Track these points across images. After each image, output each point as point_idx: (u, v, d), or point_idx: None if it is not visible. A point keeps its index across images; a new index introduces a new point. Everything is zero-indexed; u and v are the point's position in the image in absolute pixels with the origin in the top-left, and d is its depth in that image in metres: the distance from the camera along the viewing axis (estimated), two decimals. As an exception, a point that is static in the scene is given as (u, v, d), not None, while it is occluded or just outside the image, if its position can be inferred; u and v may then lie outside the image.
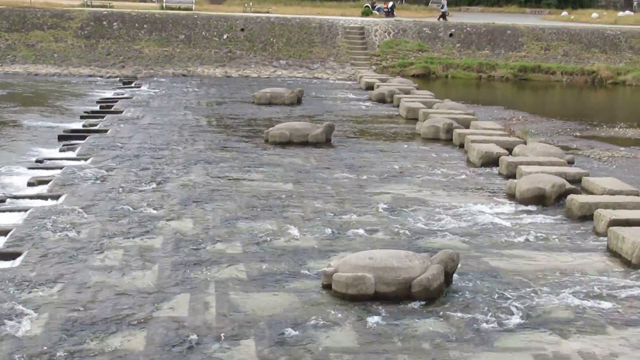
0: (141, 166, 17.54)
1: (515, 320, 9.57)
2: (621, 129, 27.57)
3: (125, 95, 30.71)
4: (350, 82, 38.09)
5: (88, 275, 10.58)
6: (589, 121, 29.13)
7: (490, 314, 9.69)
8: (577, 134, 26.17)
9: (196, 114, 26.11)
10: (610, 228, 12.64)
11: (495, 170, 18.33)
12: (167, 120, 24.55)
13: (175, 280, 10.54)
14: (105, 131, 22.12)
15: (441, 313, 9.72)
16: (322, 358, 8.31)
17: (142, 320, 9.09)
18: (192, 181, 16.26)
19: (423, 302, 9.95)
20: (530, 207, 15.01)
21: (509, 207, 15.08)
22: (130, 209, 13.94)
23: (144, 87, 33.45)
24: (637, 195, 15.25)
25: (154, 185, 15.81)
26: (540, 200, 15.17)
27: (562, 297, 10.41)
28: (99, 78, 36.67)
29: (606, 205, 13.92)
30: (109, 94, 31.46)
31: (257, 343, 8.62)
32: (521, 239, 13.07)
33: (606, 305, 10.18)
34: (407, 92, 31.88)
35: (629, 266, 11.72)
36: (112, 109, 26.88)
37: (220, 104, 28.95)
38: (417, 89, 33.45)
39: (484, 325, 9.37)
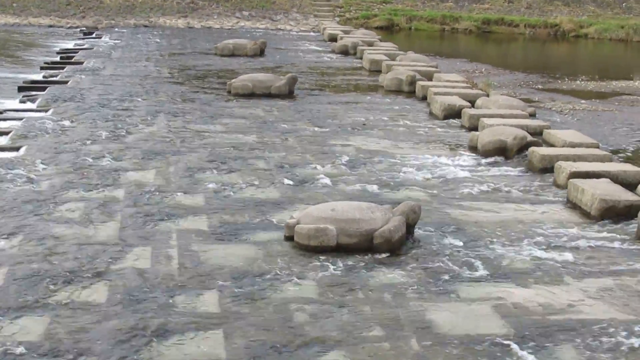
0: (103, 118, 17.40)
1: (476, 271, 9.65)
2: (583, 82, 27.75)
3: (86, 46, 30.42)
4: (313, 34, 37.95)
5: (49, 228, 10.50)
6: (551, 74, 29.28)
7: (451, 265, 9.76)
8: (540, 86, 26.31)
9: (158, 66, 25.91)
10: (571, 180, 12.75)
11: (457, 122, 18.39)
12: (128, 71, 24.36)
13: (137, 232, 10.50)
14: (66, 82, 21.92)
15: (403, 264, 9.78)
16: (284, 309, 8.33)
17: (103, 273, 9.06)
18: (154, 133, 16.18)
19: (385, 254, 10.00)
20: (491, 160, 15.10)
21: (470, 160, 15.17)
22: (92, 160, 13.85)
23: (105, 38, 33.14)
24: (598, 147, 15.39)
25: (116, 137, 15.70)
26: (501, 152, 15.25)
27: (522, 248, 10.51)
28: (59, 28, 36.22)
29: (567, 158, 14.02)
30: (69, 44, 31.12)
31: (220, 294, 8.62)
32: (482, 190, 13.16)
33: (565, 256, 10.29)
34: (370, 44, 31.85)
35: (588, 218, 11.84)
36: (72, 60, 26.62)
37: (183, 55, 28.75)
38: (381, 41, 33.43)
39: (445, 276, 9.44)
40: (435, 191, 12.99)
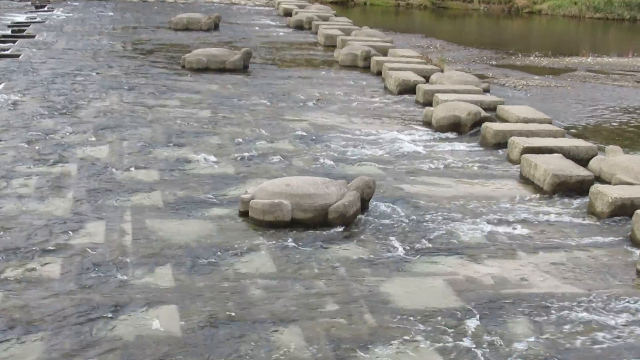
0: (55, 92, 17.20)
1: (429, 245, 9.72)
2: (536, 58, 27.94)
3: (37, 19, 29.97)
4: (268, 9, 37.77)
5: (0, 203, 10.40)
6: (505, 50, 29.45)
7: (404, 240, 9.82)
8: (493, 62, 26.45)
9: (111, 39, 25.62)
10: (523, 155, 12.86)
11: (412, 98, 18.43)
12: (81, 45, 24.06)
13: (91, 207, 10.41)
14: (18, 56, 21.60)
15: (357, 239, 9.82)
16: (238, 284, 8.34)
17: (57, 248, 8.99)
18: (107, 107, 16.02)
19: (339, 229, 10.03)
20: (446, 135, 15.17)
21: (425, 135, 15.22)
22: (44, 135, 13.69)
23: (57, 11, 32.67)
24: (550, 123, 15.51)
25: (69, 111, 15.53)
26: (455, 127, 15.33)
27: (475, 223, 10.59)
28: (10, 1, 35.66)
29: (520, 133, 14.14)
30: (20, 17, 30.63)
31: (174, 269, 8.61)
32: (437, 166, 13.23)
33: (518, 231, 10.40)
34: (325, 19, 31.76)
35: (541, 193, 11.96)
36: (24, 34, 26.23)
37: (136, 29, 28.45)
38: (336, 15, 33.35)
39: (399, 250, 9.49)
40: (389, 166, 13.02)
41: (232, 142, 13.92)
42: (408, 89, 18.87)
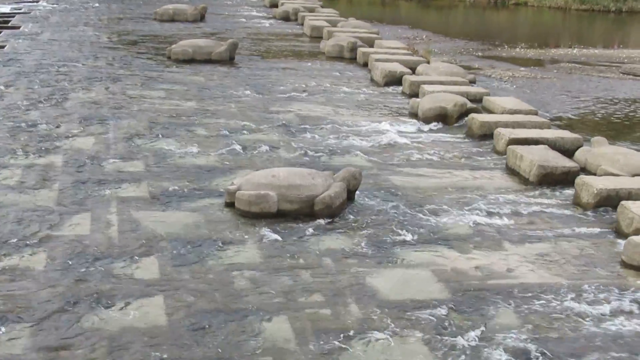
0: (40, 83, 17.12)
1: (416, 237, 9.73)
2: (522, 50, 27.99)
3: (22, 10, 29.82)
4: (254, 0, 37.65)
5: (-15, 194, 10.37)
6: (491, 41, 29.48)
7: (391, 231, 9.83)
8: (479, 54, 26.47)
9: (97, 31, 25.52)
10: (509, 146, 12.88)
11: (398, 89, 18.44)
12: (66, 36, 23.95)
13: (77, 199, 10.38)
14: (3, 47, 21.48)
15: (343, 230, 9.82)
16: (224, 275, 8.33)
17: (42, 239, 8.96)
18: (93, 99, 15.96)
19: (326, 220, 10.03)
20: (432, 126, 15.18)
21: (411, 126, 15.22)
22: (30, 126, 13.64)
23: (42, 2, 32.48)
24: (536, 114, 15.54)
25: (54, 102, 15.47)
26: (442, 118, 15.34)
27: (462, 214, 10.61)
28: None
29: (505, 124, 14.16)
30: (5, 8, 30.46)
31: (160, 261, 8.60)
32: (423, 157, 13.24)
33: (504, 222, 10.43)
34: (311, 10, 31.70)
35: (527, 184, 11.99)
36: (9, 24, 26.09)
37: (122, 20, 28.34)
38: (322, 7, 33.28)
39: (386, 241, 9.51)
40: (375, 157, 13.02)
41: (218, 133, 13.89)
42: (394, 80, 18.86)
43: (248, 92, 17.43)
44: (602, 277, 8.93)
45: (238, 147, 13.05)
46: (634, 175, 11.73)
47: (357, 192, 10.91)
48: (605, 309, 8.12)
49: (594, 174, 12.00)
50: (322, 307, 7.77)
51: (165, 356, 6.75)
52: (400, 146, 13.74)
